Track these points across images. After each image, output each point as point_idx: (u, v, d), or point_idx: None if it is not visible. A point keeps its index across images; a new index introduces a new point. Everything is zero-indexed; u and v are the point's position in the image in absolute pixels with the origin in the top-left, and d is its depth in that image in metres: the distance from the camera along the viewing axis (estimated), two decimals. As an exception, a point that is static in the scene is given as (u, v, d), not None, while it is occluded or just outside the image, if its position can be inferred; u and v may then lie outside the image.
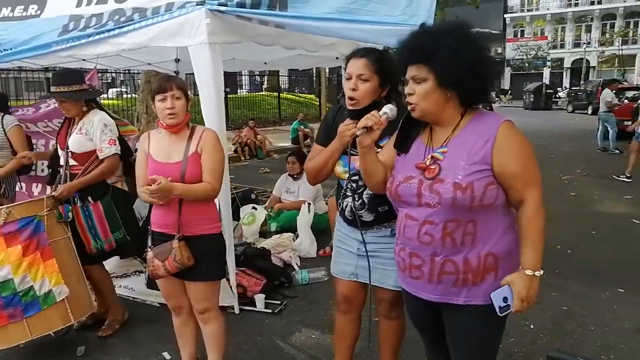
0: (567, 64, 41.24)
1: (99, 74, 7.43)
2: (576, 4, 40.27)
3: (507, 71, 42.71)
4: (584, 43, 38.81)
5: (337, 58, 4.83)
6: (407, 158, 1.78)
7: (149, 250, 2.40)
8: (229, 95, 17.55)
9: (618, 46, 36.04)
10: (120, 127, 3.49)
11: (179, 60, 5.34)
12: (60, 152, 3.23)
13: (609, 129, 11.17)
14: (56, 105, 3.68)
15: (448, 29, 1.66)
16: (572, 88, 33.33)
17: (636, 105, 11.19)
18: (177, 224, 2.33)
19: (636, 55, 37.60)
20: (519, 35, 43.56)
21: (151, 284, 2.65)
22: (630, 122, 9.26)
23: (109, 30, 3.28)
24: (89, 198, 3.12)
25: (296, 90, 27.06)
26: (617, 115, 11.31)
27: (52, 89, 3.10)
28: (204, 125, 2.82)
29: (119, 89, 20.14)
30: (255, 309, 3.59)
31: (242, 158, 11.46)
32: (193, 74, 3.25)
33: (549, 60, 40.93)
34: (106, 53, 3.54)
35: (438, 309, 1.78)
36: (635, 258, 4.57)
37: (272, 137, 13.31)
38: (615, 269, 4.33)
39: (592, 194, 7.35)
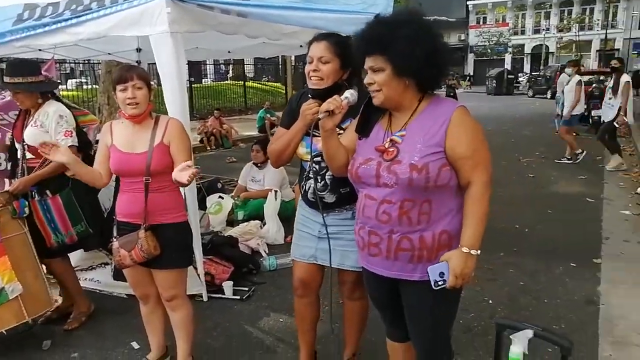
0: (527, 49, 42.33)
1: (57, 65, 7.21)
2: (536, -9, 41.33)
3: (470, 57, 43.52)
4: (544, 29, 39.93)
5: (300, 46, 4.83)
6: (367, 142, 1.85)
7: (115, 240, 2.40)
8: (193, 85, 17.30)
9: (575, 32, 37.17)
10: (80, 117, 3.40)
11: (140, 49, 5.25)
12: (17, 145, 3.16)
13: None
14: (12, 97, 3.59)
15: (404, 19, 1.71)
16: (532, 73, 34.26)
17: (590, 89, 11.58)
18: (144, 213, 2.33)
19: (592, 40, 38.90)
20: (481, 22, 44.42)
21: (118, 275, 2.64)
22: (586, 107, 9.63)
23: (65, 20, 3.21)
24: (47, 192, 3.05)
25: (262, 79, 26.83)
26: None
27: (6, 79, 3.01)
28: (168, 115, 2.81)
29: (78, 80, 19.48)
30: (223, 296, 3.62)
31: (208, 148, 11.35)
32: (155, 63, 3.22)
33: (510, 47, 41.94)
34: (63, 43, 3.47)
35: (396, 286, 1.86)
36: (587, 236, 4.81)
37: (238, 126, 13.21)
38: (569, 246, 4.55)
39: (549, 175, 7.64)
